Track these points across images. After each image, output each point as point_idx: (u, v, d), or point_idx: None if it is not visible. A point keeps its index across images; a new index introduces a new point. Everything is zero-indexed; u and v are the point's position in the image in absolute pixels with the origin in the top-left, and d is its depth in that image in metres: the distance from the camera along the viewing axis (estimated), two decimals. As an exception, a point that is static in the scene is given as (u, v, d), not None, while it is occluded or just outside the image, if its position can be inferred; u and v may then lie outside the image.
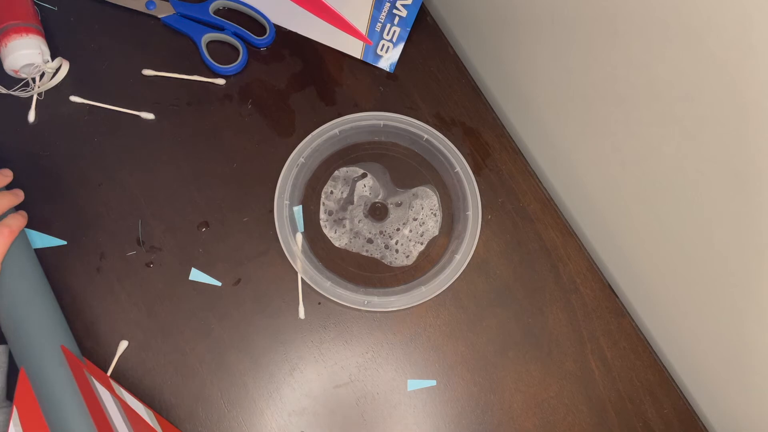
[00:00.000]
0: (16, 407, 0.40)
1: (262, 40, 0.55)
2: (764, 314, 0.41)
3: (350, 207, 0.53)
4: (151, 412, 0.45)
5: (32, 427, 0.40)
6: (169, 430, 0.45)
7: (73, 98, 0.53)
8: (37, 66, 0.50)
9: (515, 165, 0.55)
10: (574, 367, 0.51)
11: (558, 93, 0.50)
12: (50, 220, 0.50)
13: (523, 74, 0.54)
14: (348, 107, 0.55)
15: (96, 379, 0.43)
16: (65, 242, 0.50)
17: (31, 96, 0.52)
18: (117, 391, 0.44)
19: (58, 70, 0.52)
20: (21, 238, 0.46)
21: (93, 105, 0.53)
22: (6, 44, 0.49)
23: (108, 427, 0.41)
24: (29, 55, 0.50)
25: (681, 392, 0.51)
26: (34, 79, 0.51)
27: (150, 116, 0.53)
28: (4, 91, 0.51)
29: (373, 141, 0.55)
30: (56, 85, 0.52)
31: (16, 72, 0.50)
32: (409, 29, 0.57)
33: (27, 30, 0.50)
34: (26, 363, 0.42)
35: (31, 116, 0.52)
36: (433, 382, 0.50)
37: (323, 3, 0.55)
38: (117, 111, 0.53)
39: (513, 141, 0.55)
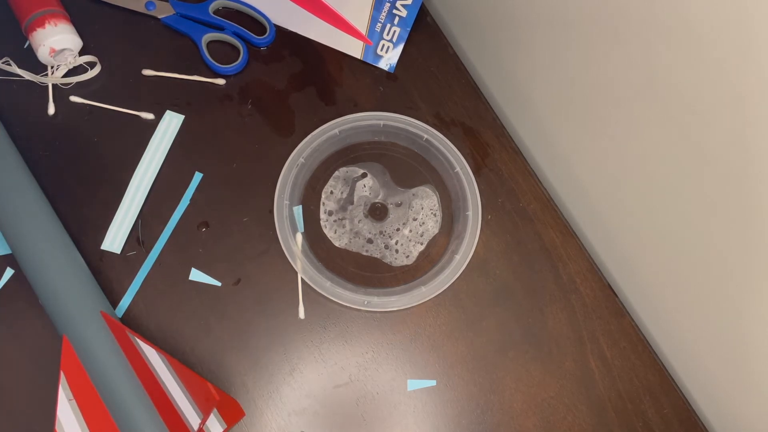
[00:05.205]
0: (63, 372, 0.42)
1: (262, 40, 0.55)
2: (764, 314, 0.41)
3: (350, 207, 0.53)
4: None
5: (80, 390, 0.42)
6: (213, 388, 0.45)
7: (73, 98, 0.53)
8: (73, 52, 0.52)
9: (515, 165, 0.55)
10: (574, 367, 0.51)
11: (557, 93, 0.50)
12: (50, 220, 0.50)
13: (522, 74, 0.54)
14: (348, 107, 0.55)
15: (139, 339, 0.44)
16: (65, 242, 0.50)
17: (55, 84, 0.53)
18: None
19: (93, 66, 0.53)
20: (47, 211, 0.47)
21: (93, 105, 0.53)
22: (56, 24, 0.51)
23: (155, 382, 0.43)
24: (71, 39, 0.51)
25: (681, 392, 0.51)
26: (58, 66, 0.52)
27: (150, 116, 0.53)
28: (28, 76, 0.52)
29: (373, 141, 0.55)
30: (56, 86, 0.53)
31: (52, 51, 0.51)
32: (409, 29, 0.57)
33: (68, 19, 0.52)
34: (68, 331, 0.44)
35: (51, 109, 0.52)
36: (433, 382, 0.50)
37: (323, 3, 0.56)
38: (117, 111, 0.53)
39: (513, 141, 0.55)
